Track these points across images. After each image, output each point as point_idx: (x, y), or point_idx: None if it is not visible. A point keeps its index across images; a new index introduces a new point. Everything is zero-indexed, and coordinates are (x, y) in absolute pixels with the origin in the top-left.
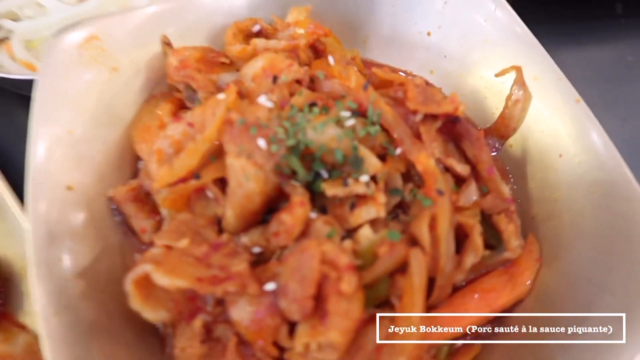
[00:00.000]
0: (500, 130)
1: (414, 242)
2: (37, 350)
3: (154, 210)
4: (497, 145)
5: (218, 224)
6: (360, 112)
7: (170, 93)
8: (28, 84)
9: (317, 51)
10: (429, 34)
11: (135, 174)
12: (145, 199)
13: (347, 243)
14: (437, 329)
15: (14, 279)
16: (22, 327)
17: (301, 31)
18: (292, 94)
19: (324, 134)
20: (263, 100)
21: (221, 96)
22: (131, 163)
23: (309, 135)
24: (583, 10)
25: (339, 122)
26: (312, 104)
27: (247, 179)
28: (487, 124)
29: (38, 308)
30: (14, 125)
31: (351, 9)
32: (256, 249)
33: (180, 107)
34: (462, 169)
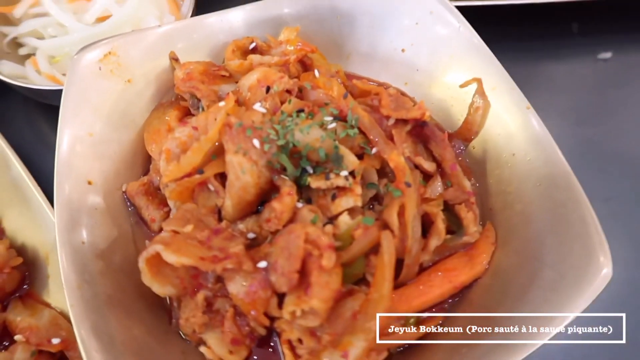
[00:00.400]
0: (464, 133)
1: (385, 227)
2: (60, 324)
3: (162, 202)
4: (461, 147)
5: (218, 213)
6: (341, 117)
7: (177, 101)
8: (52, 94)
9: (305, 65)
10: (403, 50)
11: (146, 171)
12: (154, 193)
13: (329, 227)
14: (406, 302)
15: (39, 263)
16: (47, 305)
17: (291, 48)
18: (282, 102)
19: (309, 135)
20: (257, 106)
21: (221, 104)
22: (143, 162)
23: (297, 136)
24: (541, 28)
25: (323, 126)
26: (300, 110)
27: (243, 172)
28: (454, 128)
29: (64, 281)
30: (37, 131)
31: (335, 29)
32: (251, 235)
33: (186, 113)
34: (428, 166)
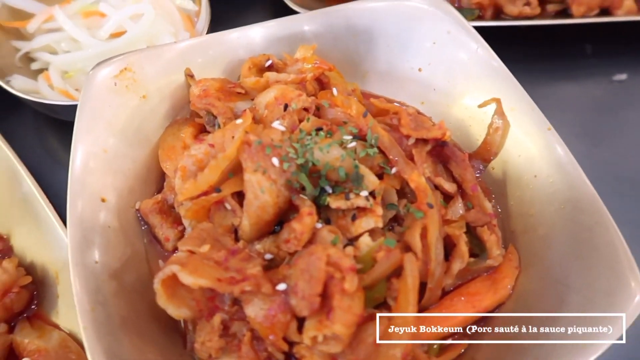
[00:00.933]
0: (483, 154)
1: (407, 249)
2: (69, 346)
3: (176, 221)
4: (480, 168)
5: (234, 232)
6: (360, 136)
7: (192, 118)
8: (64, 109)
9: (322, 83)
10: (420, 69)
11: (160, 188)
12: (168, 211)
13: (349, 249)
14: (428, 328)
15: (48, 282)
16: (55, 326)
17: (308, 66)
18: (300, 120)
19: (329, 154)
20: (277, 124)
21: (239, 121)
22: (156, 179)
23: (316, 155)
24: (556, 50)
25: (342, 144)
26: (319, 129)
27: (262, 191)
28: (472, 149)
29: (76, 303)
30: (47, 147)
31: (352, 47)
32: (268, 256)
33: (201, 130)
34: (449, 186)
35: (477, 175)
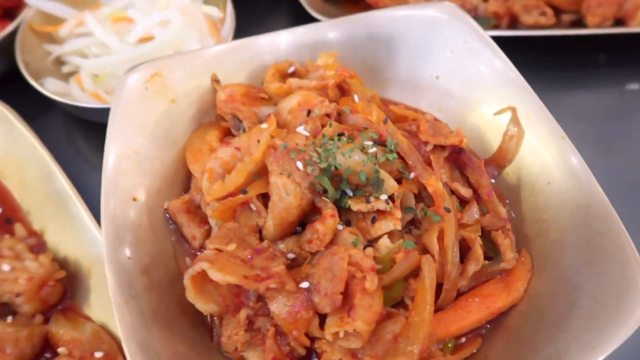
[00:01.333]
0: (498, 160)
1: (425, 251)
2: (102, 337)
3: (202, 220)
4: (495, 174)
5: (259, 232)
6: (380, 142)
7: (217, 122)
8: (95, 112)
9: (342, 90)
10: (437, 77)
11: (186, 189)
12: (195, 211)
13: (369, 250)
14: (444, 327)
15: (80, 277)
16: (88, 319)
17: (330, 73)
18: (322, 126)
19: (351, 158)
20: (301, 129)
21: (264, 126)
22: (183, 180)
23: (339, 159)
24: (570, 59)
25: (363, 149)
26: (340, 134)
27: (287, 194)
28: (487, 155)
29: (111, 297)
30: (77, 147)
31: (372, 55)
32: (291, 255)
33: (226, 134)
34: (465, 191)
35: (492, 181)
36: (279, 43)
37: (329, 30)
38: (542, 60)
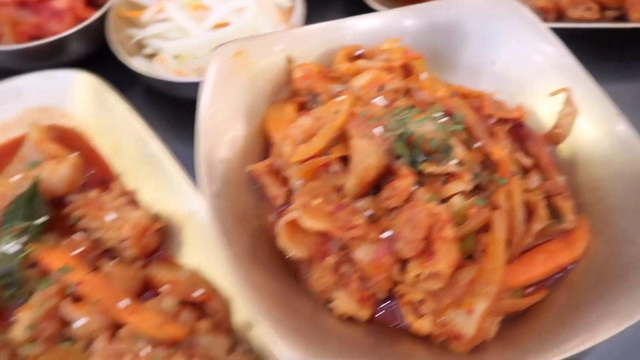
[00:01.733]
0: (553, 137)
1: (494, 209)
2: (198, 279)
3: (283, 182)
4: (549, 150)
5: (337, 192)
6: (448, 114)
7: (291, 98)
8: (182, 86)
9: (407, 71)
10: (493, 63)
11: (264, 156)
12: (276, 174)
13: (443, 206)
14: (512, 277)
15: (172, 231)
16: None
17: (396, 55)
18: (393, 100)
19: (423, 127)
20: (378, 100)
21: (339, 99)
22: (260, 148)
23: (412, 127)
24: (613, 52)
25: (434, 120)
26: (411, 107)
27: (368, 155)
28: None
29: (217, 240)
30: (156, 121)
31: (433, 42)
32: (368, 212)
33: (300, 108)
34: (526, 160)
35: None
36: (346, 29)
37: (392, 19)
38: (586, 52)
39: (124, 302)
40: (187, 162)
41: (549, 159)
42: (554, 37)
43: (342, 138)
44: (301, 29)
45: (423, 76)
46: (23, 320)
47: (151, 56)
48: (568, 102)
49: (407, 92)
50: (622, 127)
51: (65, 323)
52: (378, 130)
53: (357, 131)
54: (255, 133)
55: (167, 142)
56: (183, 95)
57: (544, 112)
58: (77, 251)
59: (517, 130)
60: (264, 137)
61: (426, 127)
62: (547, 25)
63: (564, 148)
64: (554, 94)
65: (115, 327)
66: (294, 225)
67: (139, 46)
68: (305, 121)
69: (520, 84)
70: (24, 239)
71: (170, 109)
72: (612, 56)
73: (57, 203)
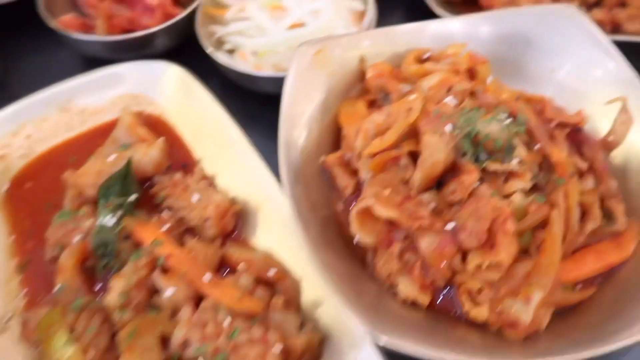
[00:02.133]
0: (607, 144)
1: (552, 207)
2: (272, 259)
3: (352, 174)
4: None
5: (404, 185)
6: (511, 116)
7: (363, 95)
8: (263, 80)
9: (472, 75)
10: (552, 71)
11: (334, 148)
12: (347, 165)
13: (506, 202)
14: (565, 273)
15: (247, 216)
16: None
17: (463, 59)
18: (461, 101)
19: (489, 126)
20: (449, 99)
21: (412, 97)
22: (332, 140)
23: (479, 127)
24: None
25: (499, 121)
26: (478, 107)
27: (438, 150)
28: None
29: (296, 223)
30: (241, 110)
31: (496, 49)
32: (432, 205)
33: (370, 105)
34: (582, 164)
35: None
36: (416, 33)
37: (457, 25)
38: None
39: (207, 276)
40: (262, 150)
41: (603, 164)
42: (615, 50)
43: (411, 134)
44: (372, 31)
45: (488, 80)
46: (116, 288)
47: (230, 52)
48: (624, 110)
49: (473, 94)
50: None
51: (153, 293)
52: (448, 128)
53: (429, 127)
54: (329, 126)
55: (244, 132)
56: (260, 89)
57: (600, 120)
58: (165, 227)
59: (575, 134)
60: (336, 130)
61: (492, 127)
62: (608, 38)
63: (618, 154)
64: (610, 102)
65: (197, 299)
66: (365, 213)
67: (220, 42)
68: (378, 117)
69: (579, 93)
70: (119, 213)
71: (247, 101)
72: None
73: (144, 183)
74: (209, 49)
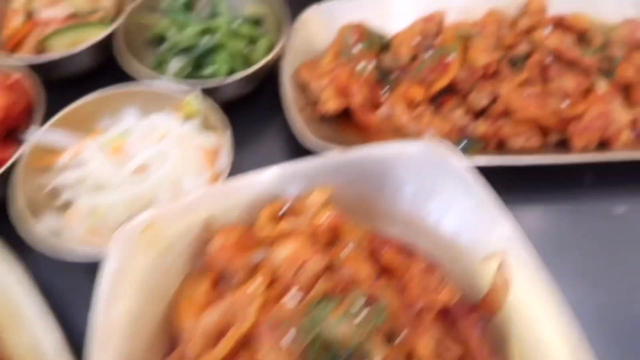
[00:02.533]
0: (485, 310)
1: None
2: None
3: None
4: (485, 320)
5: None
6: (370, 301)
7: (209, 268)
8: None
9: (335, 232)
10: (429, 214)
11: (173, 347)
12: None
13: None
14: None
15: None
16: None
17: (324, 214)
18: (310, 288)
19: (339, 327)
20: (292, 294)
21: (255, 283)
22: (171, 338)
23: (327, 332)
24: (555, 181)
25: (352, 317)
26: (330, 294)
27: None
28: (479, 295)
29: None
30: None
31: (366, 190)
32: None
33: (218, 281)
34: (455, 350)
35: (482, 326)
36: (270, 179)
37: (320, 165)
38: (527, 179)
39: None
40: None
41: (479, 343)
42: (480, 188)
43: (249, 340)
44: (220, 186)
45: (349, 247)
46: None
47: (66, 206)
48: (501, 269)
49: (329, 268)
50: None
51: None
52: (289, 336)
53: (266, 341)
54: (163, 319)
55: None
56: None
57: (480, 277)
58: None
59: (446, 313)
60: (171, 326)
61: (343, 329)
62: (474, 171)
63: (500, 319)
64: (486, 259)
65: None
66: None
67: (52, 195)
68: (215, 314)
69: (456, 238)
70: None
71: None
72: (553, 183)
73: None
74: (23, 225)
